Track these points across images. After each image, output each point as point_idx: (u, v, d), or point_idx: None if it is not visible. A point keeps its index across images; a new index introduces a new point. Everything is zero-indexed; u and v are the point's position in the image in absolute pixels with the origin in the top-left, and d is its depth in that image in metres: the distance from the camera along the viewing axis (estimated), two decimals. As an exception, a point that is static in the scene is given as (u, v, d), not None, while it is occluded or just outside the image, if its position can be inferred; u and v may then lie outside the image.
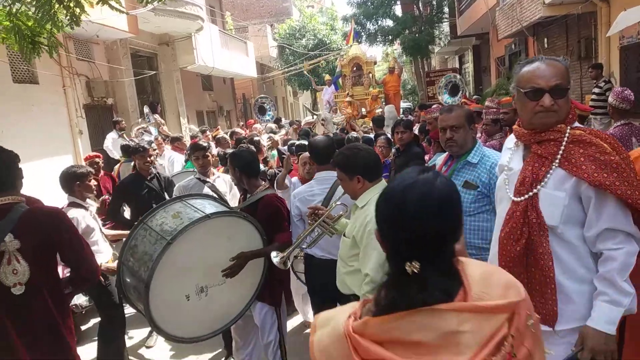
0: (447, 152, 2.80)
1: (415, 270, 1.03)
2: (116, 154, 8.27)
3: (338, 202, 2.89)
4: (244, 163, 3.34)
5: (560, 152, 1.84)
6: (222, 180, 4.53)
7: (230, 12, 25.37)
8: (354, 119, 11.27)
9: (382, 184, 2.59)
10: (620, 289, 1.76)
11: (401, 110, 14.48)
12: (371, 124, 9.24)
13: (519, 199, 1.91)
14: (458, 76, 12.02)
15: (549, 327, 1.89)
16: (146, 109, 9.48)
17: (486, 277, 1.09)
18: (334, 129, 9.24)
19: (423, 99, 15.81)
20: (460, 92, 10.73)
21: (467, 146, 2.64)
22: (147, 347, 4.48)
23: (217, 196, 3.51)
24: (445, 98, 11.14)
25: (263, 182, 3.43)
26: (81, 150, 9.54)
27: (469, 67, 22.26)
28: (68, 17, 2.83)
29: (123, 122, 9.12)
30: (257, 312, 3.30)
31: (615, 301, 1.76)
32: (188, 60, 14.20)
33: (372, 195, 2.48)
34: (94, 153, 6.92)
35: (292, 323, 4.47)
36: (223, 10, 21.58)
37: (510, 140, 2.12)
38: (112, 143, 8.38)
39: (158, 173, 4.82)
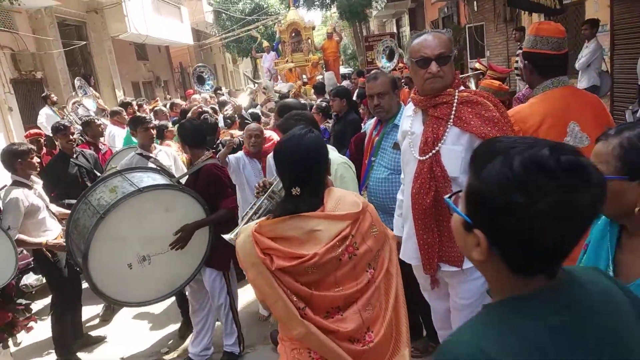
0: (375, 117, 3.08)
1: (296, 193, 1.68)
2: (49, 130, 7.98)
3: None
4: (186, 133, 3.47)
5: (453, 112, 2.09)
6: (165, 154, 4.55)
7: (161, -25, 24.19)
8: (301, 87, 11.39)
9: None
10: None
11: (341, 75, 14.69)
12: (312, 91, 9.44)
13: (424, 158, 2.14)
14: (394, 41, 12.34)
15: (456, 267, 2.18)
16: (78, 82, 9.10)
17: (340, 198, 1.73)
18: (275, 97, 9.35)
19: (363, 64, 16.08)
20: (397, 56, 11.05)
21: (393, 111, 2.92)
22: (104, 321, 4.57)
23: (161, 169, 3.60)
24: (383, 62, 11.44)
25: (207, 152, 3.49)
26: (12, 128, 9.13)
27: (406, 30, 22.65)
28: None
29: (53, 96, 8.73)
30: (207, 277, 3.45)
31: None
32: (119, 28, 13.61)
33: None
34: (35, 130, 6.69)
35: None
36: (153, -27, 20.54)
37: (409, 108, 2.35)
38: (47, 119, 8.05)
39: (82, 150, 4.81)
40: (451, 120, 2.09)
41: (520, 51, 8.60)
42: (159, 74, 18.83)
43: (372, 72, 3.25)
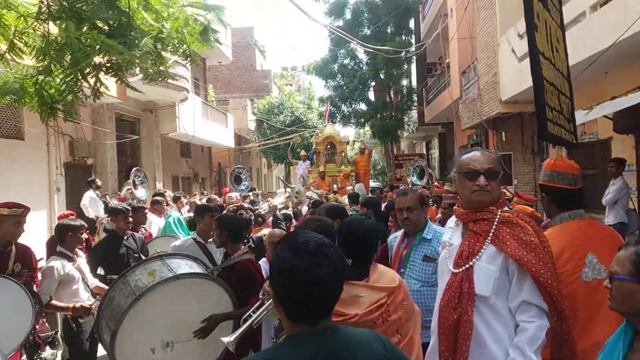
0: (403, 230, 3.25)
1: (348, 264, 1.98)
2: (91, 212, 8.44)
3: None
4: (229, 226, 3.56)
5: (492, 230, 2.06)
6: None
7: (213, 84, 26.59)
8: (329, 193, 11.86)
9: None
10: (527, 358, 1.92)
11: (370, 189, 15.18)
12: (346, 200, 9.80)
13: (457, 271, 2.11)
14: (423, 162, 12.93)
15: None
16: (137, 172, 9.78)
17: (382, 273, 2.23)
18: (307, 201, 9.74)
19: (392, 179, 16.70)
20: (426, 175, 11.51)
21: (420, 225, 3.11)
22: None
23: (197, 258, 3.64)
24: (414, 180, 11.90)
25: (243, 247, 3.60)
26: (56, 207, 9.67)
27: (435, 152, 23.58)
28: (92, 92, 3.28)
29: (98, 181, 9.37)
30: None
31: None
32: (169, 127, 14.77)
33: None
34: (66, 212, 7.05)
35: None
36: (206, 82, 22.64)
37: (451, 220, 2.38)
38: (90, 202, 8.58)
39: (133, 233, 4.95)
40: (489, 238, 2.07)
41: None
42: (198, 171, 19.88)
43: (402, 188, 3.51)
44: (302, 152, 16.92)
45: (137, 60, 3.39)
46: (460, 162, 2.20)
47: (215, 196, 10.69)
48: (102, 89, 3.40)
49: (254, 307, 3.25)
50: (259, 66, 35.38)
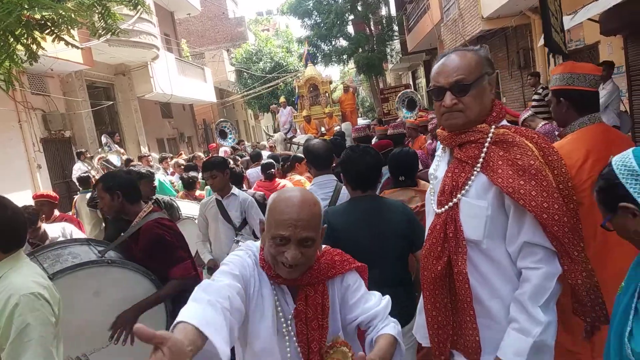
0: None
1: (402, 179, 3.01)
2: (83, 185, 8.24)
3: None
4: (120, 184, 2.72)
5: (483, 155, 1.59)
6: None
7: (186, 39, 25.55)
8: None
9: None
10: (531, 316, 1.50)
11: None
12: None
13: (440, 210, 1.68)
14: (415, 92, 12.58)
15: (439, 358, 1.71)
16: (104, 139, 9.50)
17: (424, 184, 2.90)
18: (289, 148, 9.61)
19: (380, 114, 16.37)
20: (418, 106, 11.20)
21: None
22: None
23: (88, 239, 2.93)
24: (405, 113, 11.57)
25: (146, 206, 2.78)
26: (40, 185, 9.44)
27: (422, 81, 23.12)
28: (26, 54, 2.98)
29: (87, 152, 9.14)
30: None
31: (525, 330, 1.50)
32: (145, 89, 14.28)
33: None
34: (44, 192, 6.44)
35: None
36: (178, 37, 21.73)
37: (439, 146, 1.89)
38: (80, 174, 8.38)
39: (157, 198, 4.38)
40: (479, 166, 1.60)
41: (536, 96, 8.65)
42: (183, 130, 19.47)
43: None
44: (282, 99, 16.48)
45: (73, 15, 3.06)
46: (432, 72, 1.75)
47: (200, 153, 10.45)
48: (60, 55, 3.09)
49: None
50: (231, 14, 33.94)
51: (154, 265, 2.58)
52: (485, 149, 1.59)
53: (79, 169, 8.82)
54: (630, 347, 1.22)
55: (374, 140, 7.48)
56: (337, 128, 12.03)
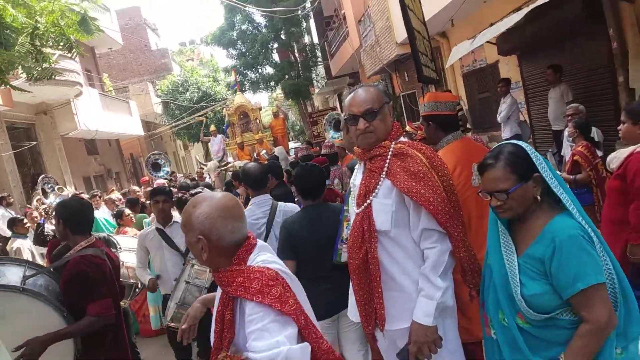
0: None
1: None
2: (7, 230, 7.93)
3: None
4: (67, 214, 2.77)
5: (386, 165, 2.06)
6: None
7: (108, 73, 24.99)
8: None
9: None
10: (433, 284, 1.95)
11: (291, 150, 15.36)
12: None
13: (358, 210, 2.12)
14: (341, 114, 13.21)
15: (369, 332, 2.12)
16: (46, 179, 9.19)
17: None
18: (224, 175, 9.90)
19: (310, 137, 16.93)
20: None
21: None
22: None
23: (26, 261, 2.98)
24: (332, 134, 12.08)
25: (87, 239, 2.78)
26: (-38, 233, 8.93)
27: (348, 103, 24.06)
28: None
29: (10, 198, 8.79)
30: None
31: (429, 295, 1.95)
32: (69, 126, 13.89)
33: None
34: None
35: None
36: (100, 72, 21.27)
37: (358, 161, 2.39)
38: (2, 220, 8.04)
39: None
40: (383, 174, 2.07)
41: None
42: (110, 166, 18.94)
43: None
44: (213, 127, 16.60)
45: (18, 60, 3.24)
46: (344, 106, 2.21)
47: (135, 187, 10.36)
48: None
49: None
50: (154, 46, 33.59)
51: (72, 299, 2.57)
52: (388, 161, 2.06)
53: (1, 215, 8.47)
54: (521, 293, 1.60)
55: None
56: (262, 152, 12.29)
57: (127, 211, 5.95)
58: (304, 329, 1.49)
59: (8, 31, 3.12)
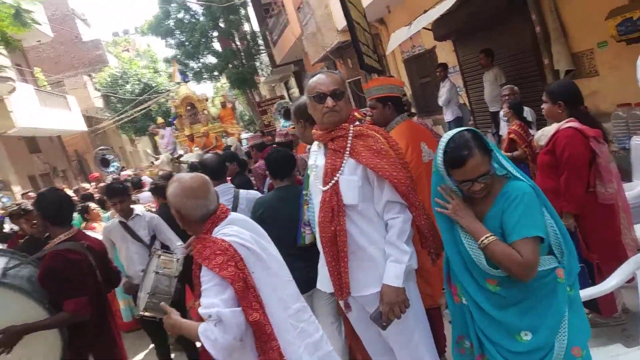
0: None
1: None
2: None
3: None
4: (45, 206, 2.77)
5: (349, 145, 2.23)
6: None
7: (39, 67, 23.75)
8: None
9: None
10: (400, 250, 2.16)
11: (243, 140, 15.42)
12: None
13: (325, 188, 2.26)
14: (290, 102, 13.43)
15: (343, 298, 2.29)
16: None
17: None
18: (177, 167, 9.95)
19: (261, 127, 17.04)
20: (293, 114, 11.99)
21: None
22: None
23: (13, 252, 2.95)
24: (282, 123, 12.24)
25: (66, 232, 2.78)
26: None
27: (295, 91, 24.18)
28: None
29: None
30: None
31: (398, 259, 2.16)
32: (6, 124, 13.32)
33: None
34: None
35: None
36: (31, 67, 20.22)
37: (315, 144, 2.51)
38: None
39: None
40: (347, 153, 2.22)
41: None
42: (55, 164, 18.25)
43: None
44: (160, 120, 16.33)
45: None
46: (308, 87, 2.30)
47: (85, 184, 10.20)
48: None
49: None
50: (86, 37, 32.09)
51: (49, 294, 2.58)
52: (349, 141, 2.23)
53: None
54: (484, 259, 1.76)
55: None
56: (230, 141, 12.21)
57: (93, 205, 5.82)
58: (240, 295, 1.80)
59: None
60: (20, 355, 2.50)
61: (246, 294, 1.82)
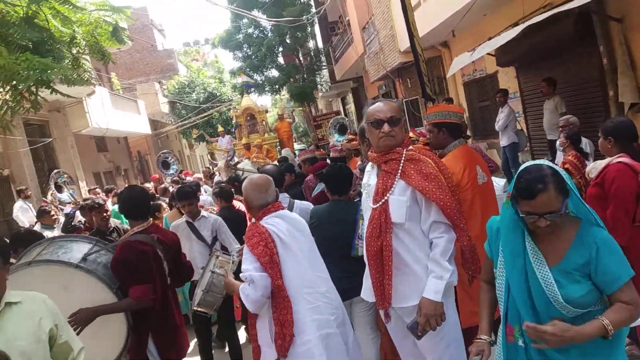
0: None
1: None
2: (26, 222, 8.36)
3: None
4: (123, 201, 3.18)
5: (400, 168, 2.41)
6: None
7: (115, 72, 25.39)
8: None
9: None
10: (442, 267, 2.31)
11: (296, 151, 15.77)
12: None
13: (375, 206, 2.45)
14: (345, 118, 13.65)
15: (384, 308, 2.45)
16: (60, 175, 9.56)
17: None
18: (234, 174, 10.26)
19: (315, 140, 17.35)
20: (347, 130, 12.19)
21: None
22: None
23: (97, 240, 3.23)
24: (337, 137, 12.47)
25: (140, 225, 3.07)
26: (-19, 225, 9.37)
27: (351, 107, 24.48)
28: (31, 105, 3.50)
29: (28, 191, 9.23)
30: None
31: (439, 276, 2.31)
32: (81, 124, 14.27)
33: None
34: None
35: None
36: (108, 72, 21.66)
37: (369, 165, 2.74)
38: (21, 211, 8.48)
39: (117, 227, 4.64)
40: (398, 175, 2.41)
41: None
42: (119, 163, 19.39)
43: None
44: (220, 128, 16.99)
45: (62, 71, 3.65)
46: (367, 114, 2.53)
47: (147, 184, 10.78)
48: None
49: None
50: (160, 46, 34.03)
51: (118, 280, 2.85)
52: (402, 164, 2.42)
53: (20, 207, 8.91)
54: (565, 297, 1.71)
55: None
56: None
57: (164, 204, 6.01)
58: (266, 267, 2.46)
59: (59, 45, 3.53)
60: (91, 335, 2.67)
61: (272, 267, 2.48)
